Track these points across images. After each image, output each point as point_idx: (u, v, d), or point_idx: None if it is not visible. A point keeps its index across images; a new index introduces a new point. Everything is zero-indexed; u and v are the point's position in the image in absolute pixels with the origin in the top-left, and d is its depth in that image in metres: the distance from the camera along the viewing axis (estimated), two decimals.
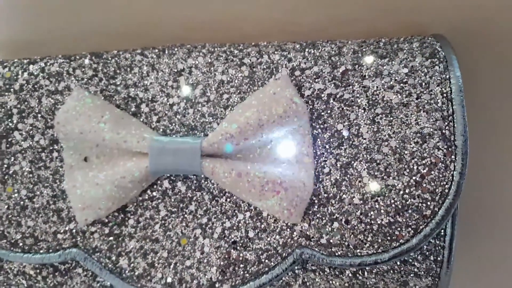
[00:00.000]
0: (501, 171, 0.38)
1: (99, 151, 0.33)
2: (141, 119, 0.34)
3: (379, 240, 0.31)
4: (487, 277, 0.39)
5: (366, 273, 0.32)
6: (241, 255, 0.32)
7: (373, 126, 0.31)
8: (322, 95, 0.32)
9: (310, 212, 0.32)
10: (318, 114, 0.32)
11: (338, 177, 0.31)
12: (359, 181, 0.31)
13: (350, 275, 0.32)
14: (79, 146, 0.33)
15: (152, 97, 0.34)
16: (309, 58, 0.33)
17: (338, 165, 0.31)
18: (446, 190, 0.30)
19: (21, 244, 0.34)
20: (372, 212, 0.31)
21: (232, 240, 0.33)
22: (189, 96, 0.33)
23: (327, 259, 0.31)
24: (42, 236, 0.34)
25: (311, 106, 0.32)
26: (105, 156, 0.33)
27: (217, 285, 0.32)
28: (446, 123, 0.30)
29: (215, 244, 0.33)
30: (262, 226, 0.32)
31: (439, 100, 0.31)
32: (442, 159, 0.30)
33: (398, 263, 0.32)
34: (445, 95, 0.31)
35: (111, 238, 0.33)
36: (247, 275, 0.32)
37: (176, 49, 0.34)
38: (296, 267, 0.32)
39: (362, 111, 0.31)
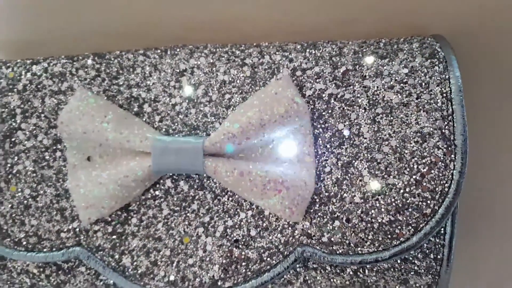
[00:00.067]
0: (500, 170, 0.38)
1: (102, 150, 0.34)
2: (144, 119, 0.34)
3: (380, 239, 0.31)
4: (487, 275, 0.39)
5: (366, 271, 0.33)
6: (243, 253, 0.33)
7: (373, 126, 0.32)
8: (323, 95, 0.32)
9: (312, 210, 0.32)
10: (319, 114, 0.32)
11: (339, 176, 0.32)
12: (360, 180, 0.31)
13: (351, 273, 0.33)
14: (83, 145, 0.34)
15: (154, 97, 0.34)
16: (310, 58, 0.33)
17: (339, 164, 0.32)
18: (446, 189, 0.30)
19: (24, 242, 0.34)
20: (372, 211, 0.31)
21: (234, 238, 0.33)
22: (191, 96, 0.34)
23: (328, 257, 0.32)
24: (45, 234, 0.34)
25: (312, 106, 0.32)
26: (108, 155, 0.34)
27: (219, 283, 0.33)
28: (445, 123, 0.31)
29: (218, 242, 0.33)
30: (264, 224, 0.33)
31: (438, 100, 0.31)
32: (442, 158, 0.30)
33: (399, 261, 0.32)
34: (444, 95, 0.31)
35: (114, 236, 0.34)
36: (249, 273, 0.33)
37: (178, 50, 0.35)
38: (297, 265, 0.33)
39: (363, 111, 0.32)
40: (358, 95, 0.32)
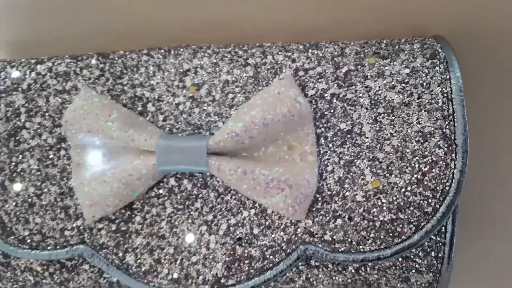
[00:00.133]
0: (500, 169, 0.39)
1: (106, 149, 0.34)
2: (148, 118, 0.34)
3: (382, 237, 0.31)
4: (487, 273, 0.39)
5: (368, 269, 0.33)
6: (246, 251, 0.33)
7: (375, 125, 0.32)
8: (326, 95, 0.33)
9: (314, 209, 0.32)
10: (322, 114, 0.33)
11: (341, 175, 0.32)
12: (362, 179, 0.32)
13: (353, 271, 0.33)
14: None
15: (158, 96, 0.34)
16: (313, 58, 0.33)
17: (341, 163, 0.32)
18: (447, 188, 0.31)
19: (28, 240, 0.34)
20: (374, 209, 0.31)
21: (237, 236, 0.33)
22: (194, 96, 0.34)
23: (331, 255, 0.32)
24: (49, 232, 0.34)
25: (314, 106, 0.33)
26: (112, 154, 0.34)
27: (222, 281, 0.33)
28: (446, 122, 0.31)
29: (221, 240, 0.33)
30: (267, 223, 0.33)
31: (439, 100, 0.31)
32: (443, 157, 0.31)
33: (400, 259, 0.33)
34: (445, 95, 0.31)
35: (118, 234, 0.34)
36: (252, 271, 0.33)
37: (181, 50, 0.35)
38: (300, 263, 0.33)
39: (365, 110, 0.32)
40: (360, 95, 0.32)
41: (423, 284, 0.33)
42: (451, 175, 0.31)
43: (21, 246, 0.34)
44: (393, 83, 0.32)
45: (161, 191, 0.34)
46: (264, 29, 0.38)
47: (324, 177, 0.32)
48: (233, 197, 0.33)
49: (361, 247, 0.32)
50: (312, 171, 0.32)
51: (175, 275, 0.34)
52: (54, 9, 0.39)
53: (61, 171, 0.34)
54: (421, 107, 0.31)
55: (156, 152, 0.32)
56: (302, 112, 0.32)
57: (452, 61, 0.32)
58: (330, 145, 0.32)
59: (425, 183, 0.31)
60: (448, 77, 0.32)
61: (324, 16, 0.37)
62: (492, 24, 0.35)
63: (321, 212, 0.32)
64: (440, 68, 0.32)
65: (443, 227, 0.32)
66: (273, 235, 0.33)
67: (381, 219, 0.31)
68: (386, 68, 0.32)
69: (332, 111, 0.33)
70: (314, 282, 0.34)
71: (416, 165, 0.31)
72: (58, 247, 0.34)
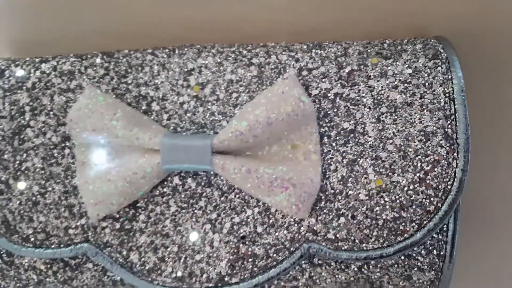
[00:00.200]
0: (502, 168, 0.39)
1: (110, 148, 0.34)
2: (152, 117, 0.34)
3: (384, 235, 0.32)
4: (489, 271, 0.40)
5: (371, 267, 0.33)
6: (249, 249, 0.33)
7: (378, 125, 0.32)
8: (329, 94, 0.33)
9: (317, 207, 0.32)
10: (325, 113, 0.33)
11: (344, 174, 0.32)
12: (365, 178, 0.32)
13: (355, 269, 0.33)
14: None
15: (162, 95, 0.35)
16: (316, 58, 0.34)
17: (344, 162, 0.32)
18: (449, 187, 0.31)
19: (32, 239, 0.34)
20: (377, 208, 0.32)
21: (241, 235, 0.33)
22: (199, 95, 0.34)
23: (334, 253, 0.32)
24: (53, 231, 0.34)
25: (318, 105, 0.33)
26: (117, 153, 0.34)
27: (226, 279, 0.33)
28: (448, 122, 0.32)
29: (225, 239, 0.33)
30: (270, 221, 0.33)
31: (441, 100, 0.32)
32: (445, 156, 0.31)
33: (402, 257, 0.33)
34: (447, 95, 0.32)
35: (122, 233, 0.34)
36: (256, 269, 0.33)
37: (186, 49, 0.35)
38: (303, 262, 0.33)
39: (368, 110, 0.33)
40: (363, 94, 0.33)
41: (425, 282, 0.33)
42: (453, 174, 0.31)
43: (25, 244, 0.35)
44: (395, 83, 0.32)
45: (165, 189, 0.34)
46: (265, 29, 0.38)
47: (327, 176, 0.32)
48: (237, 195, 0.34)
49: (364, 245, 0.32)
50: (315, 170, 0.32)
51: (179, 273, 0.34)
52: (57, 9, 0.39)
53: (65, 169, 0.35)
54: (424, 107, 0.32)
55: (160, 151, 0.32)
56: (305, 112, 0.32)
57: (454, 61, 0.32)
58: (334, 144, 0.33)
59: (428, 182, 0.31)
60: (450, 77, 0.32)
61: (326, 17, 0.38)
62: (493, 25, 0.36)
63: (325, 211, 0.32)
64: (442, 68, 0.32)
65: (445, 226, 0.32)
66: (276, 234, 0.33)
67: (384, 217, 0.32)
68: (389, 68, 0.33)
69: (335, 110, 0.33)
70: (317, 280, 0.34)
71: (419, 164, 0.31)
72: (62, 245, 0.34)
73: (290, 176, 0.32)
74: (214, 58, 0.35)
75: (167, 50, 0.35)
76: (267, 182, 0.32)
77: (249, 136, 0.32)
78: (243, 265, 0.33)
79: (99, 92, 0.34)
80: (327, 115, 0.33)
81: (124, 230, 0.34)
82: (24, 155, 0.35)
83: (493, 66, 0.37)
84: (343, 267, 0.33)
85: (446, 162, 0.31)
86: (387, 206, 0.32)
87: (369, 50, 0.34)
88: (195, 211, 0.34)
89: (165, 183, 0.34)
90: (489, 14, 0.36)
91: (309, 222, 0.33)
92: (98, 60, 0.35)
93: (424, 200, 0.31)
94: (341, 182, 0.32)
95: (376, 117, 0.32)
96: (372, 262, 0.33)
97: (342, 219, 0.32)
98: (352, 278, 0.34)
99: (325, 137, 0.33)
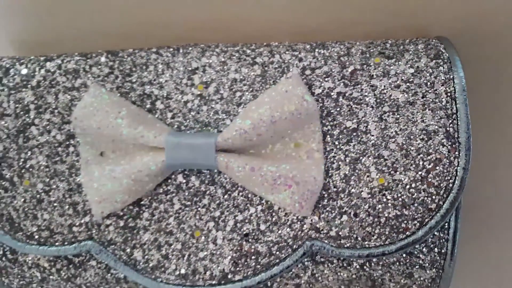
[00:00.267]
0: (502, 167, 0.39)
1: (115, 146, 0.34)
2: (156, 116, 0.35)
3: (387, 233, 0.32)
4: (490, 269, 0.40)
5: (372, 265, 0.33)
6: (253, 247, 0.33)
7: (380, 124, 0.33)
8: (332, 94, 0.33)
9: (320, 205, 0.33)
10: (328, 112, 0.33)
11: (347, 172, 0.33)
12: (367, 176, 0.32)
13: (357, 267, 0.34)
14: (96, 141, 0.34)
15: (167, 94, 0.35)
16: (319, 58, 0.34)
17: (347, 160, 0.33)
18: (450, 185, 0.32)
19: (36, 236, 0.35)
20: (379, 206, 0.32)
21: (244, 232, 0.34)
22: (203, 94, 0.34)
23: (336, 251, 0.32)
24: (57, 228, 0.35)
25: (321, 104, 0.33)
26: (121, 151, 0.34)
27: (229, 276, 0.33)
28: (450, 121, 0.32)
29: (228, 236, 0.34)
30: (273, 219, 0.33)
31: (443, 99, 0.32)
32: (446, 155, 0.32)
33: (404, 255, 0.33)
34: (449, 94, 0.32)
35: (126, 230, 0.34)
36: (259, 266, 0.33)
37: (190, 48, 0.36)
38: (305, 259, 0.34)
39: (370, 109, 0.33)
40: (366, 93, 0.33)
41: (426, 280, 0.34)
42: (455, 173, 0.32)
43: (29, 242, 0.35)
44: (398, 82, 0.33)
45: (169, 187, 0.34)
46: (268, 29, 0.38)
47: (330, 174, 0.33)
48: (240, 193, 0.34)
49: (366, 243, 0.32)
50: (318, 168, 0.33)
51: (183, 271, 0.34)
52: (60, 9, 0.39)
53: (69, 167, 0.35)
54: (426, 106, 0.32)
55: (165, 149, 0.32)
56: (309, 110, 0.32)
57: (456, 61, 0.33)
58: (336, 143, 0.33)
59: (429, 180, 0.32)
60: (451, 76, 0.33)
61: (328, 17, 0.38)
62: (493, 25, 0.36)
63: (327, 209, 0.33)
64: (443, 68, 0.33)
65: (446, 224, 0.33)
66: (279, 231, 0.33)
67: (386, 215, 0.32)
68: (391, 67, 0.33)
69: (338, 109, 0.33)
70: (319, 278, 0.34)
71: (421, 163, 0.32)
72: (66, 243, 0.34)
73: (293, 174, 0.32)
74: (218, 57, 0.35)
75: (171, 49, 0.36)
76: (271, 180, 0.32)
77: (253, 135, 0.32)
78: (246, 263, 0.33)
79: (103, 90, 0.34)
80: (330, 114, 0.33)
81: (128, 228, 0.34)
82: (29, 153, 0.35)
83: (494, 66, 0.38)
84: (345, 264, 0.34)
85: (447, 161, 0.32)
86: (389, 204, 0.32)
87: (371, 50, 0.34)
88: (199, 209, 0.34)
89: (169, 181, 0.34)
90: (490, 15, 0.36)
91: (312, 220, 0.33)
92: (102, 59, 0.36)
93: (426, 198, 0.32)
94: (344, 180, 0.33)
95: (379, 116, 0.33)
96: (374, 259, 0.33)
97: (345, 217, 0.32)
98: (354, 276, 0.34)
99: (328, 136, 0.33)
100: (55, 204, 0.35)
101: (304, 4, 0.38)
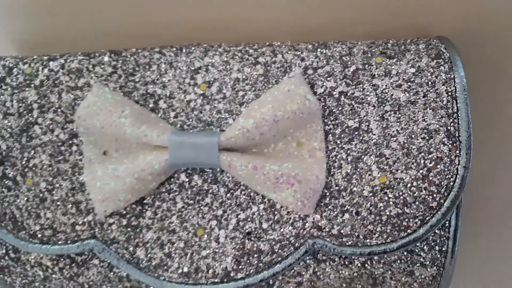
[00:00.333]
0: (503, 165, 0.40)
1: (118, 145, 0.35)
2: (159, 115, 0.35)
3: (388, 231, 0.32)
4: (490, 267, 0.40)
5: (374, 263, 0.34)
6: (255, 245, 0.34)
7: (382, 123, 0.33)
8: (334, 93, 0.34)
9: (322, 204, 0.33)
10: (330, 111, 0.34)
11: (348, 171, 0.33)
12: (369, 175, 0.33)
13: (359, 264, 0.34)
14: (99, 140, 0.35)
15: (169, 93, 0.35)
16: (321, 57, 0.34)
17: (349, 159, 0.33)
18: (451, 183, 0.32)
19: (39, 235, 0.35)
20: (381, 204, 0.32)
21: (247, 231, 0.34)
22: (205, 93, 0.35)
23: (338, 249, 0.33)
24: (60, 227, 0.35)
25: (323, 103, 0.34)
26: (124, 150, 0.35)
27: (232, 274, 0.34)
28: (451, 120, 0.32)
29: (230, 235, 0.34)
30: (276, 217, 0.34)
31: (444, 98, 0.33)
32: (447, 153, 0.32)
33: (405, 253, 0.33)
34: (450, 93, 0.33)
35: (128, 229, 0.34)
36: (261, 264, 0.34)
37: (193, 48, 0.36)
38: (307, 257, 0.34)
39: (372, 108, 0.33)
40: (368, 93, 0.33)
41: (427, 278, 0.34)
42: (455, 171, 0.32)
43: (32, 240, 0.35)
44: (399, 82, 0.33)
45: (172, 186, 0.35)
46: (267, 29, 0.39)
47: (332, 173, 0.33)
48: (243, 192, 0.34)
49: (368, 240, 0.33)
50: (320, 167, 0.33)
51: (185, 269, 0.34)
52: (62, 9, 0.39)
53: (72, 166, 0.35)
54: (427, 105, 0.33)
55: (168, 148, 0.33)
56: (311, 110, 0.33)
57: (456, 61, 0.33)
58: (338, 142, 0.33)
59: (430, 178, 0.32)
60: (452, 76, 0.33)
61: (329, 17, 0.38)
62: (493, 25, 0.37)
63: (329, 207, 0.33)
64: (444, 67, 0.33)
65: (447, 222, 0.33)
66: (281, 230, 0.34)
67: (387, 213, 0.32)
68: (393, 67, 0.33)
69: (340, 108, 0.34)
70: (321, 276, 0.34)
71: (422, 161, 0.32)
72: (69, 241, 0.35)
73: (296, 172, 0.32)
74: (221, 57, 0.35)
75: (174, 49, 0.36)
76: (273, 178, 0.32)
77: (255, 134, 0.32)
78: (248, 261, 0.34)
79: (107, 89, 0.35)
80: (332, 113, 0.34)
81: (131, 226, 0.35)
82: (32, 152, 0.35)
83: (494, 66, 0.38)
84: (346, 262, 0.34)
85: (448, 160, 0.32)
86: (391, 202, 0.32)
87: (373, 50, 0.34)
88: (202, 207, 0.34)
89: (172, 180, 0.34)
90: (490, 15, 0.36)
91: (314, 218, 0.33)
92: (106, 59, 0.36)
93: (427, 197, 0.32)
94: (346, 179, 0.33)
95: (380, 115, 0.33)
96: (376, 257, 0.34)
97: (347, 215, 0.33)
98: (355, 274, 0.34)
99: (330, 135, 0.33)
100: (58, 203, 0.35)
101: (304, 4, 0.38)
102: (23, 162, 0.35)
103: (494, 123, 0.39)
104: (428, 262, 0.34)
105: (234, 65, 0.35)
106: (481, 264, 0.40)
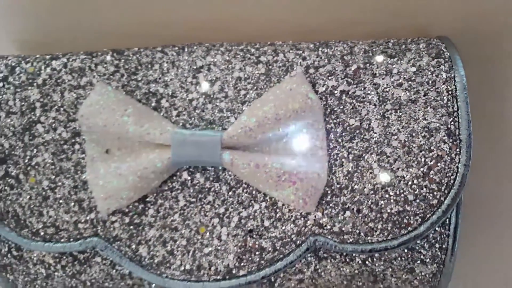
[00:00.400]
0: (502, 163, 0.40)
1: (120, 143, 0.35)
2: (161, 114, 0.35)
3: (389, 228, 0.33)
4: (490, 264, 0.41)
5: (375, 260, 0.34)
6: (257, 243, 0.34)
7: (383, 121, 0.33)
8: (335, 92, 0.34)
9: (324, 202, 0.33)
10: (332, 110, 0.34)
11: (350, 169, 0.33)
12: (370, 173, 0.33)
13: (360, 262, 0.34)
14: (102, 138, 0.35)
15: (172, 92, 0.35)
16: (323, 57, 0.35)
17: (350, 157, 0.33)
18: (452, 181, 0.32)
19: (42, 233, 0.35)
20: (382, 202, 0.33)
21: (249, 228, 0.34)
22: (207, 92, 0.35)
23: (340, 246, 0.33)
24: (63, 225, 0.35)
25: (324, 102, 0.34)
26: (126, 148, 0.35)
27: (234, 271, 0.34)
28: (451, 119, 0.33)
29: (232, 232, 0.34)
30: (277, 215, 0.34)
31: (444, 97, 0.33)
32: (447, 152, 0.32)
33: (406, 250, 0.34)
34: (450, 92, 0.33)
35: (131, 227, 0.35)
36: (263, 261, 0.34)
37: (195, 47, 0.36)
38: (309, 255, 0.34)
39: (373, 107, 0.33)
40: (369, 92, 0.34)
41: (427, 275, 0.34)
42: (456, 169, 0.32)
43: (35, 238, 0.35)
44: (400, 80, 0.33)
45: (174, 184, 0.35)
46: (268, 29, 0.39)
47: (333, 171, 0.33)
48: (245, 190, 0.34)
49: (369, 238, 0.33)
50: (322, 165, 0.33)
51: (188, 266, 0.34)
52: (60, 9, 0.39)
53: (75, 164, 0.35)
54: (427, 104, 0.33)
55: (171, 146, 0.33)
56: (313, 108, 0.33)
57: (456, 60, 0.34)
58: (340, 140, 0.34)
59: (431, 176, 0.32)
60: (452, 75, 0.33)
61: (330, 17, 0.38)
62: (493, 25, 0.37)
63: (331, 205, 0.33)
64: (445, 67, 0.33)
65: (447, 219, 0.33)
66: (283, 227, 0.34)
67: (388, 211, 0.33)
68: (394, 66, 0.34)
69: (341, 107, 0.34)
70: (322, 273, 0.35)
71: (422, 159, 0.32)
72: (71, 239, 0.35)
73: (298, 171, 0.32)
74: (223, 56, 0.35)
75: (176, 48, 0.36)
76: (275, 176, 0.32)
77: (257, 132, 0.33)
78: (250, 258, 0.34)
79: (110, 88, 0.35)
80: (333, 112, 0.34)
81: (133, 224, 0.35)
82: (35, 151, 0.35)
83: (494, 65, 0.38)
84: (347, 260, 0.34)
85: (449, 158, 0.32)
86: (392, 200, 0.33)
87: (374, 49, 0.35)
88: (204, 205, 0.35)
89: (174, 178, 0.35)
90: (489, 15, 0.37)
91: (315, 216, 0.33)
92: (108, 58, 0.36)
93: (427, 194, 0.32)
94: (347, 177, 0.33)
95: (381, 113, 0.33)
96: (376, 255, 0.34)
97: (348, 213, 0.33)
98: (356, 271, 0.34)
99: (332, 133, 0.34)
100: (60, 201, 0.35)
101: (305, 5, 0.38)
102: (26, 161, 0.35)
103: (494, 121, 0.40)
104: (428, 259, 0.34)
105: (236, 64, 0.35)
106: (481, 262, 0.40)
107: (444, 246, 0.34)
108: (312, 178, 0.33)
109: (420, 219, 0.32)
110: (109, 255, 0.35)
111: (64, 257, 0.35)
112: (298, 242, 0.34)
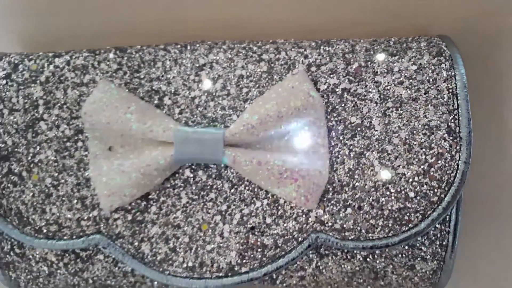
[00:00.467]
0: (502, 161, 0.40)
1: (123, 140, 0.35)
2: (164, 111, 0.35)
3: (390, 225, 0.33)
4: (489, 261, 0.41)
5: (375, 257, 0.34)
6: (259, 240, 0.34)
7: (384, 119, 0.33)
8: (337, 90, 0.34)
9: (325, 199, 0.34)
10: (333, 107, 0.34)
11: (351, 166, 0.34)
12: (371, 170, 0.33)
13: (361, 259, 0.34)
14: (105, 136, 0.35)
15: (174, 90, 0.35)
16: (325, 55, 0.35)
17: (351, 155, 0.34)
18: (452, 178, 0.33)
19: (45, 230, 0.35)
20: (383, 199, 0.33)
21: (251, 225, 0.34)
22: (210, 90, 0.35)
23: (341, 243, 0.33)
24: (66, 223, 0.35)
25: (326, 100, 0.34)
26: (129, 145, 0.35)
27: (236, 268, 0.34)
28: (451, 117, 0.33)
29: (234, 229, 0.34)
30: (279, 212, 0.34)
31: (445, 95, 0.33)
32: (448, 149, 0.33)
33: (406, 247, 0.34)
34: (450, 90, 0.33)
35: (133, 224, 0.35)
36: (265, 258, 0.34)
37: (198, 45, 0.36)
38: (310, 252, 0.34)
39: (374, 104, 0.34)
40: (370, 90, 0.34)
41: (427, 272, 0.35)
42: (456, 166, 0.33)
43: (38, 236, 0.35)
44: (401, 79, 0.34)
45: (176, 181, 0.35)
46: (268, 29, 0.39)
47: (335, 168, 0.34)
48: (247, 187, 0.35)
49: (370, 235, 0.33)
50: (323, 163, 0.33)
51: (190, 263, 0.34)
52: (60, 9, 0.39)
53: (78, 162, 0.35)
54: (428, 102, 0.33)
55: (174, 143, 0.33)
56: (314, 106, 0.33)
57: (457, 58, 0.34)
58: (341, 138, 0.34)
59: (432, 173, 0.33)
60: (453, 73, 0.34)
61: (330, 17, 0.39)
62: (493, 24, 0.37)
63: (332, 202, 0.33)
64: (445, 65, 0.34)
65: (447, 216, 0.34)
66: (285, 224, 0.34)
67: (389, 208, 0.33)
68: (395, 64, 0.34)
69: (343, 105, 0.34)
70: (324, 270, 0.35)
71: (423, 157, 0.33)
72: (74, 237, 0.35)
73: (300, 168, 0.33)
74: (225, 54, 0.36)
75: (179, 46, 0.36)
76: (277, 174, 0.33)
77: (259, 130, 0.33)
78: (252, 255, 0.34)
79: (113, 86, 0.35)
80: (335, 110, 0.34)
81: (136, 222, 0.35)
82: (38, 148, 0.35)
83: (494, 63, 0.39)
84: (349, 257, 0.34)
85: (449, 155, 0.33)
86: (393, 197, 0.33)
87: (375, 47, 0.35)
88: (206, 202, 0.35)
89: (177, 175, 0.35)
90: (489, 14, 0.37)
91: (317, 213, 0.34)
92: (111, 55, 0.36)
93: (428, 191, 0.33)
94: (348, 174, 0.33)
95: (382, 111, 0.34)
96: (377, 252, 0.34)
97: (349, 210, 0.33)
98: (357, 268, 0.35)
99: (333, 131, 0.34)
100: (63, 198, 0.35)
101: (305, 4, 0.39)
102: (29, 158, 0.35)
103: (494, 119, 0.40)
104: (428, 256, 0.34)
105: (238, 62, 0.35)
106: (480, 258, 0.41)
107: (444, 243, 0.34)
108: (313, 175, 0.33)
109: (420, 216, 0.33)
110: (111, 252, 0.35)
111: (67, 254, 0.36)
112: (299, 239, 0.34)
